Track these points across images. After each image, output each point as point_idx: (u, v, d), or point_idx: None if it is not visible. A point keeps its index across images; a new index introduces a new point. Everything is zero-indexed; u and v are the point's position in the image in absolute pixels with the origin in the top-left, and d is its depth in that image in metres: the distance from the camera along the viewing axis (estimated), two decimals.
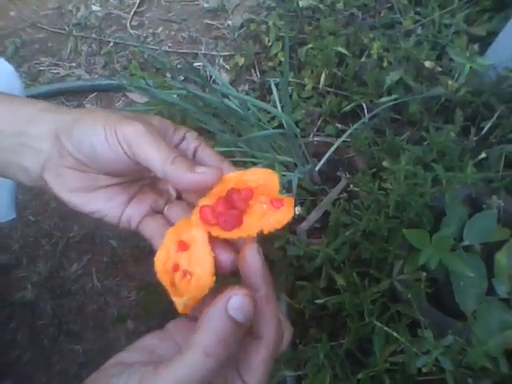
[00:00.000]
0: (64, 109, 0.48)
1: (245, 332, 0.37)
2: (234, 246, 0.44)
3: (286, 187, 0.92)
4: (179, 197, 0.50)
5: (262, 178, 0.44)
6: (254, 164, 0.92)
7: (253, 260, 0.40)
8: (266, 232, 0.43)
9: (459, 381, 0.66)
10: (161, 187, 0.51)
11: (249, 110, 0.89)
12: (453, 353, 0.65)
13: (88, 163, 0.45)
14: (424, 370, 0.66)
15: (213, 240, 0.42)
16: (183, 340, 0.41)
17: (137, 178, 0.50)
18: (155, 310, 0.96)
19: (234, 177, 0.44)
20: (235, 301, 0.35)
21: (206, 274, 0.41)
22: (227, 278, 0.44)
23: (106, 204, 0.47)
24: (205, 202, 0.43)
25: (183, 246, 0.43)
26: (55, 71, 1.40)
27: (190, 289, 0.41)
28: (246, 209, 0.44)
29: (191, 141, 0.49)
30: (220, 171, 0.42)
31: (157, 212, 0.49)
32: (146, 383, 0.34)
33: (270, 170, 0.45)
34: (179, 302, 0.41)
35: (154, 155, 0.42)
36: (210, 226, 0.42)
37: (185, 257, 0.43)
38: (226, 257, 0.42)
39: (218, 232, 0.42)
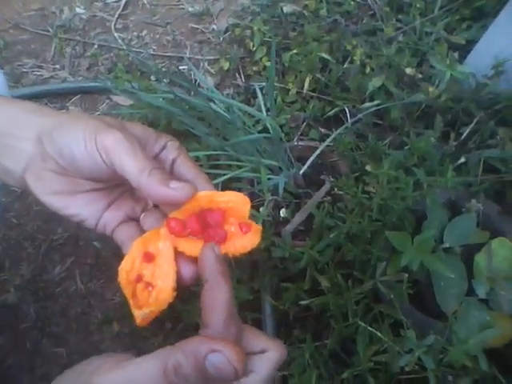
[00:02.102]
0: (49, 111, 0.48)
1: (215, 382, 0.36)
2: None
3: (272, 190, 0.94)
4: (156, 205, 0.51)
5: (234, 201, 0.45)
6: (239, 168, 0.93)
7: (206, 253, 0.41)
8: (229, 255, 0.44)
9: (440, 379, 0.68)
10: (139, 194, 0.51)
11: (234, 113, 0.90)
12: (434, 352, 0.67)
13: (68, 168, 0.45)
14: (406, 368, 0.68)
15: (178, 254, 0.43)
16: None
17: (117, 184, 0.50)
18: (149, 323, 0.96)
19: (207, 196, 0.45)
20: (216, 358, 0.34)
21: (167, 288, 0.41)
22: None
23: (85, 208, 0.48)
24: (175, 215, 0.44)
25: (149, 258, 0.43)
26: (38, 73, 1.39)
27: (149, 301, 0.42)
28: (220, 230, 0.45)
29: (171, 151, 0.49)
30: (194, 189, 0.43)
31: (133, 219, 0.50)
32: (100, 372, 0.36)
33: (243, 195, 0.46)
34: (138, 315, 0.41)
35: (130, 165, 0.42)
36: (177, 239, 0.43)
37: (149, 268, 0.43)
38: (187, 270, 0.43)
39: (184, 247, 0.43)
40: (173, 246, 0.43)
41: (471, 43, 1.14)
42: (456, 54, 0.99)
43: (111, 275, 1.06)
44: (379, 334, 0.71)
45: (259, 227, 0.45)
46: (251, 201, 0.94)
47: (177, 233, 0.43)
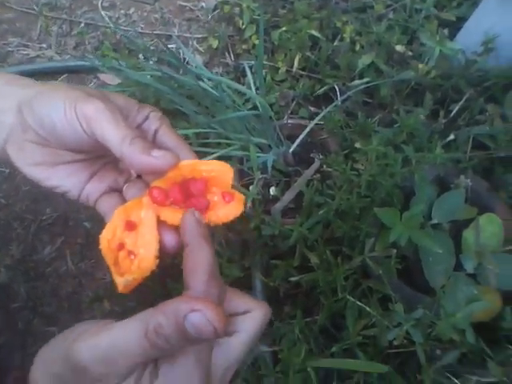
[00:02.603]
0: (29, 81, 0.48)
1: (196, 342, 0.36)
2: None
3: (261, 168, 0.94)
4: (140, 176, 0.51)
5: (217, 170, 0.45)
6: (229, 146, 0.93)
7: (187, 219, 0.41)
8: (212, 224, 0.44)
9: (428, 352, 0.69)
10: (122, 166, 0.51)
11: (224, 91, 0.90)
12: (422, 326, 0.68)
13: (49, 138, 0.45)
14: (395, 342, 0.69)
15: (160, 223, 0.43)
16: None
17: (99, 155, 0.50)
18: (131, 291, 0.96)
19: (190, 164, 0.45)
20: (195, 317, 0.34)
21: (149, 257, 0.42)
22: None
23: (67, 180, 0.48)
24: (157, 184, 0.44)
25: (131, 226, 0.43)
26: (24, 52, 1.37)
27: (132, 269, 0.42)
28: (203, 200, 0.45)
29: (153, 121, 0.49)
30: (176, 158, 0.43)
31: (116, 190, 0.50)
32: (83, 337, 0.36)
33: (226, 163, 0.46)
34: (120, 282, 0.41)
35: (111, 134, 0.42)
36: (160, 208, 0.43)
37: (131, 237, 0.43)
38: (170, 238, 0.43)
39: (166, 216, 0.43)
40: (155, 214, 0.43)
41: (461, 20, 1.13)
42: (446, 31, 0.99)
43: (101, 255, 1.06)
44: (368, 308, 0.72)
45: (242, 196, 0.46)
46: (241, 179, 0.95)
47: (159, 202, 0.43)
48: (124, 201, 0.48)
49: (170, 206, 0.44)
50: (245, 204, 0.45)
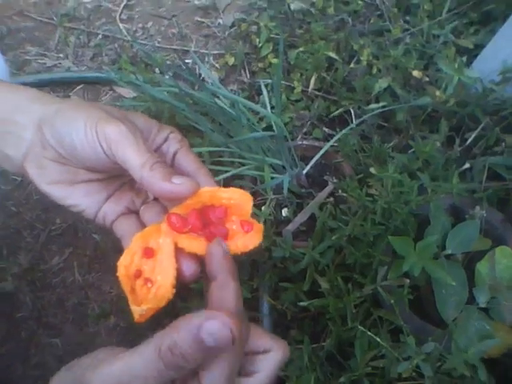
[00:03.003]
0: (50, 98, 0.47)
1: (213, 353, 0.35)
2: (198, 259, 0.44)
3: (274, 188, 0.93)
4: (157, 198, 0.50)
5: (237, 198, 0.45)
6: (242, 165, 0.93)
7: (214, 249, 0.41)
8: (230, 253, 0.43)
9: None
10: (139, 186, 0.51)
11: (239, 110, 0.89)
12: (432, 359, 0.67)
13: (68, 157, 0.45)
14: (403, 375, 0.68)
15: (178, 251, 0.42)
16: None
17: (116, 175, 0.49)
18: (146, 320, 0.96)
19: (209, 191, 0.44)
20: (211, 324, 0.33)
21: (166, 285, 0.41)
22: None
23: (84, 199, 0.47)
24: (176, 211, 0.44)
25: (149, 253, 0.43)
26: (42, 61, 1.38)
27: (148, 297, 0.41)
28: (222, 228, 0.44)
29: (173, 143, 0.49)
30: (196, 185, 0.43)
31: (133, 212, 0.50)
32: (100, 365, 0.35)
33: (246, 192, 0.45)
34: (136, 311, 0.41)
35: (132, 158, 0.42)
36: (178, 236, 0.42)
37: (149, 264, 0.43)
38: (187, 266, 0.42)
39: (184, 244, 0.42)
40: (173, 241, 0.42)
41: (478, 48, 1.13)
42: (464, 59, 0.98)
43: (109, 268, 1.06)
44: (378, 339, 0.70)
45: (261, 226, 0.45)
46: (253, 199, 0.94)
47: (177, 229, 0.43)
48: (141, 223, 0.48)
49: (188, 233, 0.43)
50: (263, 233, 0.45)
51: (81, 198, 0.47)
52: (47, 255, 1.09)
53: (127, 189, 0.51)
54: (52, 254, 1.09)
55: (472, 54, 1.13)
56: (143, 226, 0.48)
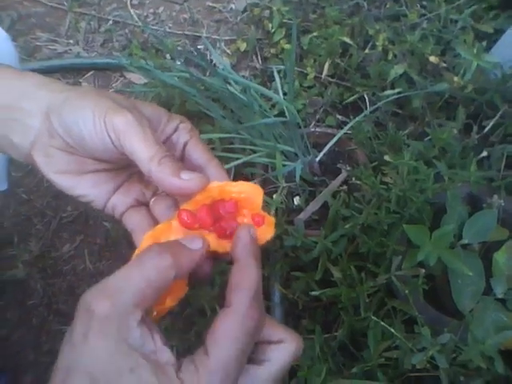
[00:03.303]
0: (58, 85, 0.46)
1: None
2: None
3: (286, 176, 0.92)
4: None
5: (247, 192, 0.44)
6: (254, 152, 0.91)
7: (242, 233, 0.40)
8: None
9: (452, 378, 0.66)
10: (148, 178, 0.50)
11: (251, 96, 0.88)
12: (448, 351, 0.65)
13: (76, 147, 0.44)
14: (417, 366, 0.66)
15: None
16: None
17: (125, 165, 0.48)
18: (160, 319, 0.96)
19: (219, 186, 0.43)
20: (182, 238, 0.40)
21: (179, 283, 0.40)
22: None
23: (92, 189, 0.47)
24: (186, 207, 0.43)
25: None
26: (52, 47, 1.37)
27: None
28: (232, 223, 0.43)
29: (183, 133, 0.48)
30: (205, 180, 0.42)
31: (142, 203, 0.49)
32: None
33: (256, 185, 0.44)
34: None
35: (141, 151, 0.41)
36: (189, 231, 0.42)
37: None
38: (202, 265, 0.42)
39: None
40: None
41: (498, 33, 1.10)
42: (483, 44, 0.96)
43: (120, 256, 1.05)
44: (392, 329, 0.69)
45: (273, 219, 0.44)
46: (265, 187, 0.93)
47: (188, 225, 0.42)
48: (151, 217, 0.47)
49: (199, 229, 0.42)
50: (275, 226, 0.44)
51: (88, 188, 0.47)
52: (58, 242, 1.09)
53: (136, 180, 0.50)
54: (63, 241, 1.09)
55: (491, 39, 1.10)
56: (154, 219, 0.47)
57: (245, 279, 0.37)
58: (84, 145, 0.43)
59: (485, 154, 0.87)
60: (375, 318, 0.71)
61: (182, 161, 0.48)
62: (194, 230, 0.42)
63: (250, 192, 0.44)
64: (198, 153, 0.47)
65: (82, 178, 0.46)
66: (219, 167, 0.47)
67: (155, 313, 0.40)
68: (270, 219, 0.44)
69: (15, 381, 0.95)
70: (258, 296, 0.37)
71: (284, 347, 0.39)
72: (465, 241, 0.75)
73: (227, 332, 0.35)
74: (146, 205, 0.49)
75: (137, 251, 0.42)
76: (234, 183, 0.44)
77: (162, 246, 0.37)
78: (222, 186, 0.44)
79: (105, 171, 0.47)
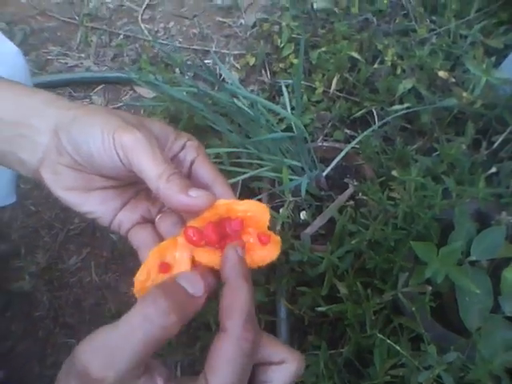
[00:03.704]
0: (65, 103, 0.47)
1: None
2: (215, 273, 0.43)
3: (292, 190, 0.91)
4: None
5: (253, 210, 0.44)
6: (261, 166, 0.91)
7: (229, 253, 0.40)
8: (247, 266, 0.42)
9: None
10: (155, 195, 0.50)
11: (259, 111, 0.88)
12: (455, 369, 0.64)
13: (85, 164, 0.44)
14: None
15: (195, 265, 0.42)
16: None
17: (132, 182, 0.49)
18: None
19: (226, 204, 0.43)
20: (184, 274, 0.39)
21: None
22: None
23: (99, 206, 0.47)
24: (193, 224, 0.43)
25: (165, 268, 0.42)
26: (63, 61, 1.39)
27: None
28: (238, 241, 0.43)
29: (190, 151, 0.48)
30: (213, 198, 0.42)
31: (148, 220, 0.49)
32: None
33: (263, 204, 0.44)
34: None
35: (149, 168, 0.41)
36: (195, 249, 0.42)
37: (165, 279, 0.41)
38: (205, 281, 0.41)
39: (200, 257, 0.41)
40: (190, 255, 0.42)
41: (508, 48, 1.09)
42: (493, 59, 0.95)
43: (126, 269, 1.05)
44: (398, 347, 0.68)
45: (278, 239, 0.44)
46: (271, 201, 0.93)
47: (194, 242, 0.42)
48: (157, 234, 0.47)
49: (205, 246, 0.42)
50: (281, 246, 0.44)
51: (96, 205, 0.47)
52: (65, 255, 1.09)
53: (143, 197, 0.50)
54: (70, 253, 1.09)
55: (501, 54, 1.09)
56: (159, 236, 0.47)
57: (236, 301, 0.37)
58: (92, 162, 0.43)
59: (494, 170, 0.87)
60: (381, 336, 0.70)
61: (189, 178, 0.48)
62: (199, 246, 0.42)
63: (256, 211, 0.44)
64: (204, 170, 0.47)
65: (89, 195, 0.46)
66: (225, 185, 0.47)
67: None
68: (276, 238, 0.44)
69: None
70: (250, 317, 0.36)
71: (285, 367, 0.38)
72: (473, 258, 0.73)
73: (224, 358, 0.35)
74: (152, 222, 0.49)
75: (142, 266, 0.42)
76: (241, 202, 0.44)
77: (167, 301, 0.35)
78: (229, 204, 0.44)
79: (112, 188, 0.47)
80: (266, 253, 0.42)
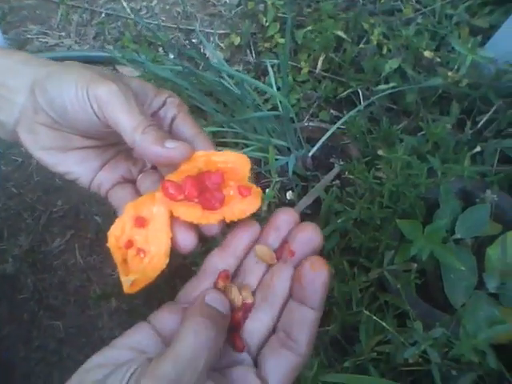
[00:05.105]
0: (42, 61, 0.45)
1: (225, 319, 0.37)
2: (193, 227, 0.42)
3: (278, 171, 0.91)
4: (155, 167, 0.48)
5: (233, 162, 0.42)
6: (247, 146, 0.91)
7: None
8: (227, 221, 0.41)
9: (444, 373, 0.66)
10: (136, 155, 0.49)
11: (244, 89, 0.87)
12: (440, 345, 0.65)
13: (60, 121, 0.43)
14: (410, 360, 0.66)
15: (174, 220, 0.41)
16: (170, 333, 0.38)
17: (112, 143, 0.48)
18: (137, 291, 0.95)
19: (204, 155, 0.42)
20: (210, 295, 0.37)
21: (160, 255, 0.40)
22: None
23: (77, 167, 0.46)
24: (171, 178, 0.42)
25: (140, 222, 0.41)
26: (43, 40, 1.36)
27: (141, 268, 0.40)
28: (218, 194, 0.42)
29: (171, 108, 0.46)
30: (190, 149, 0.41)
31: (130, 181, 0.48)
32: (146, 373, 0.32)
33: (243, 155, 0.43)
34: (125, 281, 0.39)
35: (124, 120, 0.40)
36: (173, 204, 0.41)
37: (141, 234, 0.41)
38: (183, 236, 0.41)
39: (179, 212, 0.40)
40: (168, 210, 0.41)
41: (493, 29, 1.09)
42: (479, 38, 0.95)
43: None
44: (384, 323, 0.69)
45: (259, 190, 0.42)
46: (257, 182, 0.92)
47: (172, 197, 0.41)
48: (137, 193, 0.46)
49: (183, 200, 0.41)
50: (262, 199, 0.42)
51: (74, 165, 0.46)
52: (48, 237, 1.08)
53: (123, 157, 0.49)
54: (53, 236, 1.08)
55: (486, 34, 1.09)
56: (139, 195, 0.46)
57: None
58: (67, 118, 0.42)
59: (478, 149, 0.87)
60: (367, 313, 0.70)
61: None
62: (178, 201, 0.41)
63: (236, 162, 0.42)
64: (185, 127, 0.46)
65: (67, 155, 0.45)
66: (207, 141, 0.45)
67: (126, 286, 0.39)
68: (257, 190, 0.42)
69: (6, 376, 0.94)
70: None
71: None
72: (457, 236, 0.74)
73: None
74: (133, 182, 0.48)
75: (117, 220, 0.41)
76: (220, 153, 0.43)
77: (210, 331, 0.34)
78: (208, 155, 0.42)
79: (91, 148, 0.47)
80: (247, 205, 0.41)
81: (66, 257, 1.05)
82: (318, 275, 0.38)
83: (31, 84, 0.43)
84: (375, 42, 1.07)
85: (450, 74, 0.89)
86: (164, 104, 0.47)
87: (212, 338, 0.33)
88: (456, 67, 0.92)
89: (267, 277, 0.41)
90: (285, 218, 0.42)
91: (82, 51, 1.31)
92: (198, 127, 0.46)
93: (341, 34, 1.09)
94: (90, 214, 1.09)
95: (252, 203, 0.41)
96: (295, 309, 0.39)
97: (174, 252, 0.41)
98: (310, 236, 0.41)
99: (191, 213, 0.40)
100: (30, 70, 0.44)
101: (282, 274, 0.40)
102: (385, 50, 1.07)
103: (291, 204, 0.90)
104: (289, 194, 0.91)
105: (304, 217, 0.89)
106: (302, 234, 0.41)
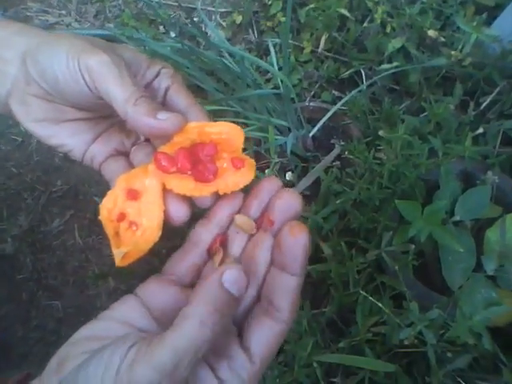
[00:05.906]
0: (35, 31, 0.44)
1: (237, 304, 0.35)
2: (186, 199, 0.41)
3: (278, 151, 0.90)
4: (148, 139, 0.47)
5: (227, 133, 0.41)
6: (247, 126, 0.90)
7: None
8: (221, 193, 0.40)
9: (439, 354, 0.66)
10: (129, 127, 0.47)
11: (245, 68, 0.86)
12: (436, 327, 0.65)
13: (52, 92, 0.42)
14: (405, 342, 0.66)
15: (166, 193, 0.40)
16: (158, 306, 0.38)
17: (106, 115, 0.47)
18: (137, 269, 0.94)
19: (197, 126, 0.41)
20: (230, 275, 0.34)
21: (152, 227, 0.39)
22: None
23: (70, 139, 0.45)
24: (164, 150, 0.41)
25: (133, 195, 0.40)
26: (43, 18, 1.34)
27: (134, 240, 0.39)
28: (211, 166, 0.41)
29: (164, 79, 0.45)
30: (183, 120, 0.40)
31: (123, 153, 0.47)
32: (142, 359, 0.30)
33: (236, 125, 0.42)
34: (116, 253, 0.39)
35: (115, 91, 0.39)
36: (166, 176, 0.40)
37: (134, 206, 0.40)
38: (176, 208, 0.40)
39: (172, 185, 0.40)
40: (160, 182, 0.40)
41: (498, 8, 1.07)
42: (484, 16, 0.93)
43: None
44: (380, 304, 0.68)
45: (253, 162, 0.42)
46: (257, 162, 0.91)
47: (165, 169, 0.40)
48: (130, 166, 0.46)
49: (176, 173, 0.40)
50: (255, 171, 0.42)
51: (67, 137, 0.45)
52: (48, 217, 1.08)
53: (116, 130, 0.48)
54: (52, 216, 1.08)
55: (492, 14, 1.07)
56: (133, 168, 0.45)
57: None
58: (59, 89, 0.41)
59: (481, 130, 0.85)
60: (364, 293, 0.70)
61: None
62: (170, 173, 0.40)
63: (230, 133, 0.41)
64: (179, 98, 0.45)
65: (59, 127, 0.45)
66: (202, 112, 0.44)
67: (118, 259, 0.39)
68: (251, 162, 0.42)
69: (4, 356, 0.95)
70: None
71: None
72: (457, 217, 0.73)
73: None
74: (127, 155, 0.47)
75: (109, 193, 0.41)
76: (214, 123, 0.42)
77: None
78: (201, 126, 0.41)
79: (84, 120, 0.46)
80: (240, 177, 0.41)
81: (65, 237, 1.05)
82: (297, 241, 0.37)
83: (23, 54, 0.42)
84: (379, 21, 1.05)
85: (453, 53, 0.88)
86: (158, 75, 0.46)
87: (217, 331, 0.32)
88: (460, 47, 0.90)
89: (249, 247, 0.41)
90: (267, 187, 0.41)
91: (83, 29, 1.29)
92: (191, 98, 0.45)
93: (344, 12, 1.07)
94: (90, 195, 1.08)
95: (246, 175, 0.41)
96: (276, 276, 0.38)
97: (167, 225, 0.40)
98: (288, 203, 0.40)
99: (184, 185, 0.40)
100: (23, 40, 0.43)
101: (262, 244, 0.39)
102: (389, 29, 1.05)
103: (291, 185, 0.89)
104: (288, 175, 0.90)
105: (303, 198, 0.88)
106: (280, 201, 0.40)
